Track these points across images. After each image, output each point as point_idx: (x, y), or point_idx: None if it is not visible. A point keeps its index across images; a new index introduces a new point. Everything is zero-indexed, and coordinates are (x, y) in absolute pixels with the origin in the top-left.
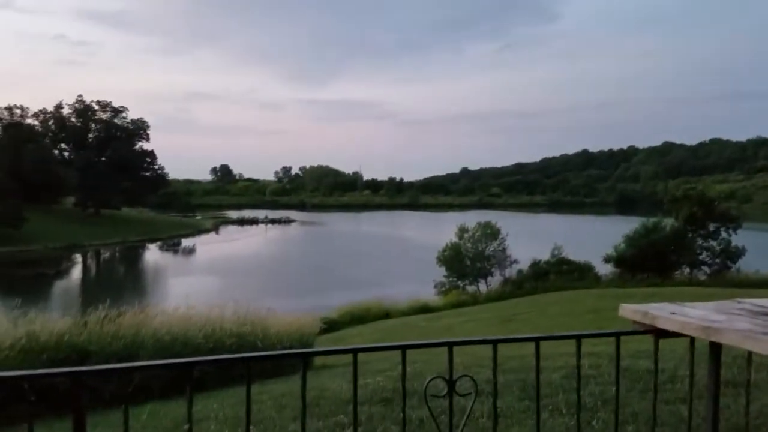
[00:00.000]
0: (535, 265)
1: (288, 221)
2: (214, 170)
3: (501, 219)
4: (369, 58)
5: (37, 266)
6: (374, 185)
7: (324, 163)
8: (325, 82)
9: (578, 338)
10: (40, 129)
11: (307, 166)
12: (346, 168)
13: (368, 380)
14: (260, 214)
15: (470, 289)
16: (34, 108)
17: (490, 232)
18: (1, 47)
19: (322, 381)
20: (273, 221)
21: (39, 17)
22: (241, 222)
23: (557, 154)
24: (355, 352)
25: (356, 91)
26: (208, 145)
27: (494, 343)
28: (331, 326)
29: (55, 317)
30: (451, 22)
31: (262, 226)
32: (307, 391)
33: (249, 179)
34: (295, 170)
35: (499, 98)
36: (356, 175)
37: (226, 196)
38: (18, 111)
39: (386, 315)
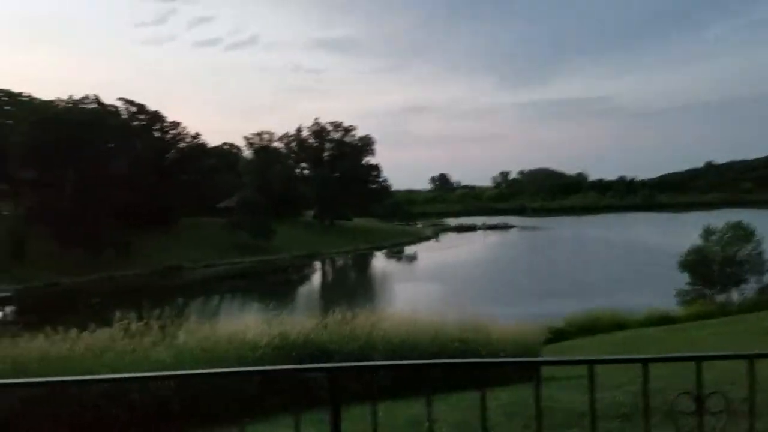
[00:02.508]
0: None
1: (506, 227)
2: (432, 179)
3: (755, 219)
4: (588, 52)
5: (284, 273)
6: (601, 186)
7: (544, 166)
8: (543, 82)
9: None
10: (284, 151)
11: (526, 170)
12: (568, 169)
13: (603, 394)
14: (478, 220)
15: (718, 298)
16: (279, 132)
17: (743, 234)
18: (252, 81)
19: (550, 392)
20: (491, 227)
21: (280, 51)
22: (460, 229)
23: None
24: (591, 363)
25: (576, 89)
26: (427, 156)
27: (750, 358)
28: (556, 336)
29: (301, 318)
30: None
31: (480, 232)
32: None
33: (466, 186)
34: (513, 175)
35: (749, 81)
36: (580, 177)
37: (444, 204)
38: (266, 136)
39: (618, 326)
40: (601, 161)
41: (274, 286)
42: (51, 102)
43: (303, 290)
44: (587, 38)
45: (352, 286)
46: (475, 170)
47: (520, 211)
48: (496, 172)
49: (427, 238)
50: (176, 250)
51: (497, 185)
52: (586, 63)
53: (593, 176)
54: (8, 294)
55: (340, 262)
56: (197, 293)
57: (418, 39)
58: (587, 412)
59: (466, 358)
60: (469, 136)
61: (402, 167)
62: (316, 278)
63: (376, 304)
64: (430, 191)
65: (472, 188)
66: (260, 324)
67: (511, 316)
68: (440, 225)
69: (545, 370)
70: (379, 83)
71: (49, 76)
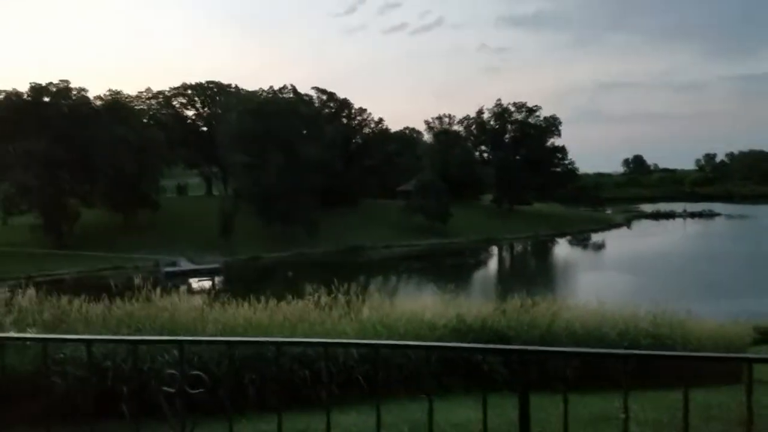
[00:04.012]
0: None
1: (711, 215)
2: (625, 162)
3: None
4: None
5: (460, 256)
6: None
7: (757, 147)
8: (758, 54)
9: None
10: (463, 134)
11: (736, 152)
12: None
13: None
14: (677, 207)
15: None
16: (459, 115)
17: None
18: (436, 64)
19: (758, 396)
20: (693, 215)
21: (465, 31)
22: (656, 216)
23: None
24: None
25: None
26: (619, 136)
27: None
28: (766, 337)
29: (478, 302)
30: None
31: (679, 220)
32: (741, 405)
33: (665, 170)
34: (720, 157)
35: None
36: None
37: (638, 188)
38: (446, 119)
39: None
40: None
41: (450, 269)
42: (255, 93)
43: (479, 274)
44: None
45: (532, 273)
46: (675, 152)
47: (728, 198)
48: (699, 154)
49: (618, 226)
50: (359, 230)
51: (701, 168)
52: None
53: None
54: (217, 266)
55: (518, 247)
56: (377, 271)
57: (612, 10)
58: None
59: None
60: (668, 114)
61: (591, 148)
62: (493, 263)
63: (558, 293)
64: (622, 174)
65: (671, 171)
66: (438, 305)
67: (714, 314)
68: (633, 211)
69: (755, 373)
70: (568, 59)
71: (253, 68)
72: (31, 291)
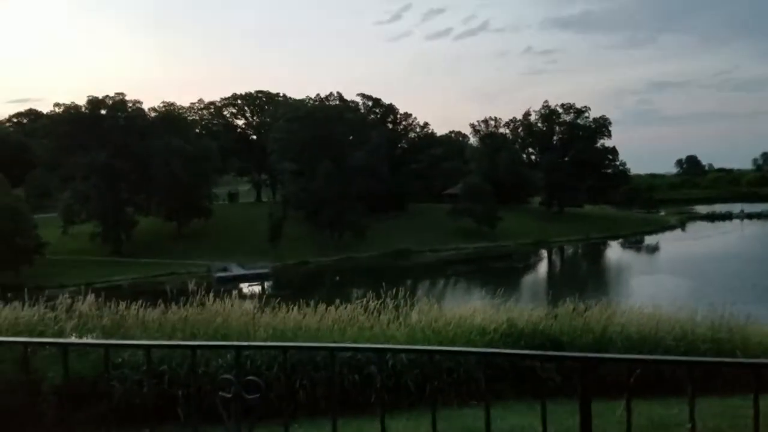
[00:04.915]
0: None
1: None
2: (679, 162)
3: None
4: None
5: (509, 260)
6: None
7: None
8: None
9: None
10: (510, 136)
11: None
12: None
13: None
14: (734, 208)
15: None
16: (505, 118)
17: None
18: (481, 68)
19: None
20: (750, 216)
21: (510, 34)
22: (712, 217)
23: None
24: None
25: None
26: (673, 136)
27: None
28: None
29: (528, 307)
30: None
31: (736, 221)
32: None
33: (720, 169)
34: None
35: None
36: None
37: (693, 189)
38: (492, 122)
39: None
40: None
41: (498, 273)
42: (302, 101)
43: (528, 278)
44: None
45: (583, 277)
46: (732, 151)
47: None
48: (757, 153)
49: (672, 228)
50: (405, 234)
51: (758, 168)
52: None
53: None
54: (266, 270)
55: (569, 251)
56: (424, 276)
57: (664, 10)
58: None
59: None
60: (723, 113)
61: (643, 149)
62: (543, 267)
63: (611, 297)
64: (675, 175)
65: (727, 171)
66: (488, 309)
67: None
68: (687, 213)
69: None
70: (618, 60)
71: (300, 76)
72: (91, 297)
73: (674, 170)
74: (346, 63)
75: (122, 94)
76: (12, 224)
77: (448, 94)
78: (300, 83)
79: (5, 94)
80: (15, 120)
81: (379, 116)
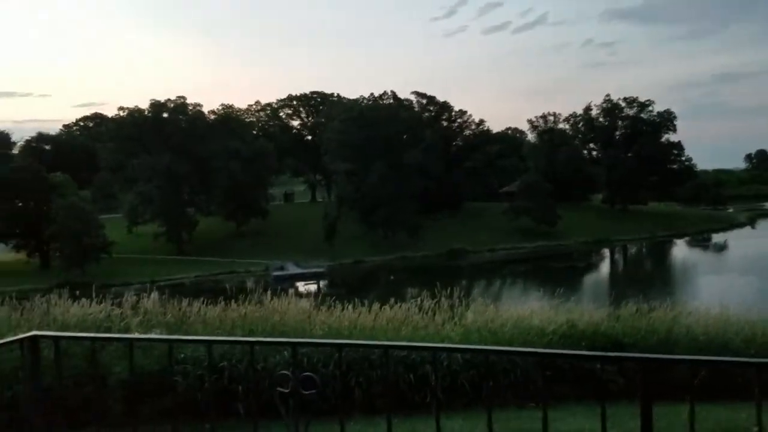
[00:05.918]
0: None
1: None
2: (748, 157)
3: None
4: None
5: (569, 259)
6: None
7: None
8: None
9: None
10: (570, 132)
11: None
12: None
13: None
14: None
15: None
16: (564, 113)
17: None
18: (539, 62)
19: None
20: None
21: (569, 27)
22: None
23: None
24: None
25: None
26: (741, 130)
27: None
28: None
29: (589, 308)
30: None
31: None
32: None
33: None
34: None
35: None
36: None
37: (764, 185)
38: (551, 118)
39: None
40: None
41: (558, 273)
42: (356, 100)
43: (589, 278)
44: None
45: (647, 277)
46: None
47: None
48: None
49: (741, 225)
50: (461, 233)
51: None
52: None
53: None
54: (322, 269)
55: (632, 249)
56: (480, 275)
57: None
58: None
59: None
60: None
61: (710, 144)
62: (605, 266)
63: (677, 297)
64: (745, 171)
65: None
66: (546, 310)
67: None
68: (758, 209)
69: None
70: (683, 52)
71: (354, 76)
72: (155, 295)
73: (743, 165)
74: (401, 61)
75: (183, 97)
76: (80, 224)
77: (504, 89)
78: (354, 83)
79: (72, 99)
80: (81, 124)
81: (433, 114)
